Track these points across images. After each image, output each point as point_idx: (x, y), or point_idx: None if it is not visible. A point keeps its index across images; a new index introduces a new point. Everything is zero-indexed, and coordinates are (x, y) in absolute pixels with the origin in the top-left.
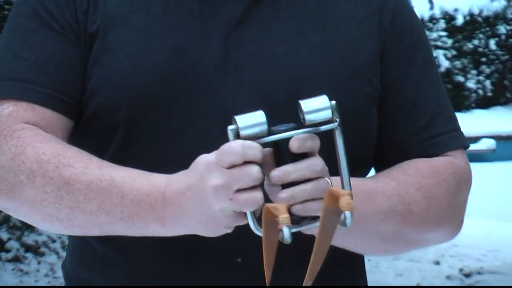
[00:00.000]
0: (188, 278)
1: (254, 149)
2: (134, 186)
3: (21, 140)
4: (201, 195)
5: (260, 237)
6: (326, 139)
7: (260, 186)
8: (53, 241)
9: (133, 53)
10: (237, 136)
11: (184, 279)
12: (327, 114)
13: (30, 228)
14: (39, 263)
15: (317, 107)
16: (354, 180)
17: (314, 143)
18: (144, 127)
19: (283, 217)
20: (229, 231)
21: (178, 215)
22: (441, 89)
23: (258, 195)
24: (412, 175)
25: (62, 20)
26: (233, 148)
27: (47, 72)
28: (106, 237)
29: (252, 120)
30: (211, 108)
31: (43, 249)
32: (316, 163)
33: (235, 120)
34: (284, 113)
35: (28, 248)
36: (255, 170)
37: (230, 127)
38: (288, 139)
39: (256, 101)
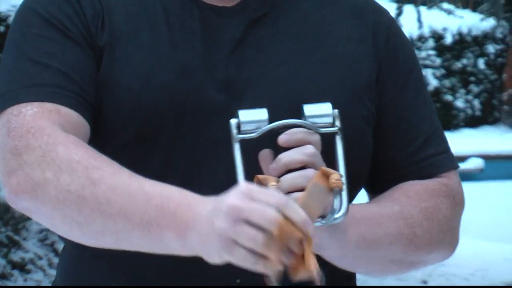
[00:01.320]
0: None
1: (295, 210)
2: (163, 193)
3: (52, 137)
4: (217, 208)
5: None
6: (324, 146)
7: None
8: (40, 258)
9: (141, 71)
10: (238, 129)
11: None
12: (328, 120)
13: (16, 245)
14: (25, 280)
15: (319, 112)
16: (361, 206)
17: (306, 136)
18: (152, 146)
19: (272, 184)
20: (220, 261)
21: (189, 224)
22: (433, 109)
23: (260, 237)
24: (413, 198)
25: (77, 32)
26: (273, 194)
27: (73, 80)
28: (101, 253)
29: (254, 116)
30: (216, 128)
31: (29, 266)
32: (307, 148)
33: (237, 114)
34: (286, 131)
35: (14, 265)
36: (272, 213)
37: (232, 120)
38: None
39: None
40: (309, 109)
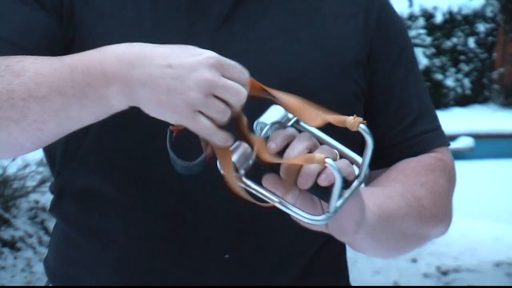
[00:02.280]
0: (177, 273)
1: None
2: (84, 57)
3: None
4: (182, 75)
5: (245, 234)
6: None
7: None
8: (30, 236)
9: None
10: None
11: (173, 274)
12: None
13: (6, 223)
14: (15, 258)
15: (275, 117)
16: (365, 188)
17: (287, 131)
18: (133, 122)
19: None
20: (173, 122)
21: (134, 81)
22: (424, 87)
23: (228, 112)
24: (411, 175)
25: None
26: (240, 68)
27: (29, 38)
28: (93, 234)
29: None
30: None
31: (19, 244)
32: (302, 136)
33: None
34: None
35: (4, 243)
36: (244, 94)
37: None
38: None
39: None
40: (266, 117)
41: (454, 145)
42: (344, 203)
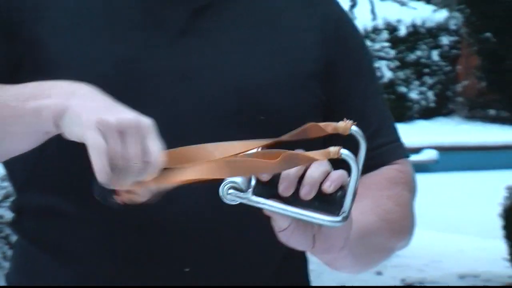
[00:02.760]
0: (137, 286)
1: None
2: (28, 85)
3: None
4: (111, 108)
5: (205, 247)
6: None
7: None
8: None
9: (77, 66)
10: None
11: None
12: None
13: None
14: None
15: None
16: None
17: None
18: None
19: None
20: (80, 135)
21: (74, 94)
22: (382, 100)
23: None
24: (376, 189)
25: None
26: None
27: None
28: (53, 251)
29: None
30: (157, 118)
31: None
32: (322, 164)
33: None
34: (231, 123)
35: None
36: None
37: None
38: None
39: (202, 112)
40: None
41: (418, 157)
42: (353, 201)
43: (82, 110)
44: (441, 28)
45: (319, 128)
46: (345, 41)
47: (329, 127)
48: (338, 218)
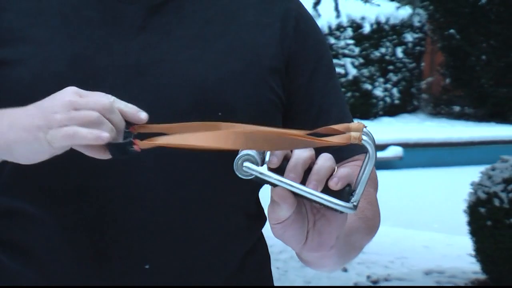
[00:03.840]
0: (99, 285)
1: (118, 115)
2: None
3: None
4: (45, 106)
5: (164, 243)
6: None
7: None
8: None
9: (33, 64)
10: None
11: (95, 286)
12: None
13: None
14: None
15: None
16: None
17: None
18: None
19: None
20: (46, 152)
21: (3, 128)
22: (343, 96)
23: (95, 114)
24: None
25: None
26: (103, 94)
27: None
28: (13, 250)
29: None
30: None
31: None
32: (327, 157)
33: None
34: (189, 119)
35: None
36: (107, 101)
37: (248, 164)
38: None
39: (159, 107)
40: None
41: (383, 154)
42: (362, 191)
43: (28, 130)
44: (405, 25)
45: (332, 128)
46: (305, 37)
47: (343, 126)
48: (350, 205)
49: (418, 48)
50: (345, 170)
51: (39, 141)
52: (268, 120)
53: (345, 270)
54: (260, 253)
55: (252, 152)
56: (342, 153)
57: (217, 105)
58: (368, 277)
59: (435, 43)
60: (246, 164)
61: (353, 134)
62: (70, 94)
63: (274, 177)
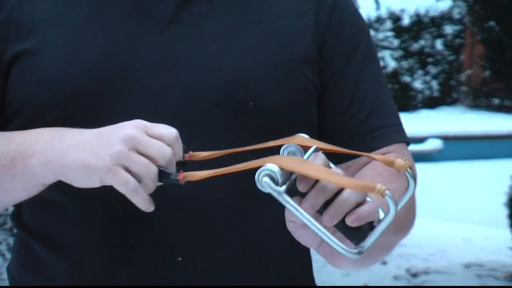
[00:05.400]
0: (131, 278)
1: (180, 145)
2: (26, 132)
3: None
4: (106, 135)
5: (197, 236)
6: None
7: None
8: None
9: (64, 54)
10: (274, 182)
11: (127, 279)
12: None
13: None
14: None
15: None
16: None
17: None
18: (76, 127)
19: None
20: (97, 184)
21: (62, 147)
22: (382, 84)
23: (154, 168)
24: (380, 182)
25: None
26: (169, 128)
27: None
28: (48, 241)
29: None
30: (144, 107)
31: None
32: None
33: (265, 170)
34: (219, 111)
35: None
36: (169, 151)
37: (265, 179)
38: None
39: (189, 100)
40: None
41: (422, 147)
42: (375, 240)
43: (85, 160)
44: (445, 17)
45: (381, 159)
46: (340, 24)
47: (385, 159)
48: (354, 251)
49: (457, 40)
50: (368, 208)
51: (93, 179)
52: (301, 108)
53: (384, 263)
54: (299, 245)
55: (276, 168)
56: (376, 141)
57: (248, 95)
58: (408, 270)
59: (474, 35)
60: (265, 179)
61: (378, 187)
62: (133, 127)
63: (290, 202)
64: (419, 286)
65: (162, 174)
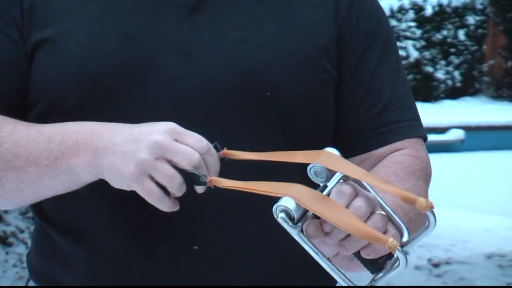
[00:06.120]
0: (147, 266)
1: (213, 157)
2: (63, 128)
3: None
4: (137, 139)
5: (213, 225)
6: None
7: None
8: (22, 231)
9: (85, 42)
10: (291, 220)
11: (143, 268)
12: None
13: None
14: (7, 253)
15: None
16: None
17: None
18: (94, 115)
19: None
20: (126, 188)
21: (99, 149)
22: (401, 78)
23: (178, 178)
24: (394, 182)
25: (6, 14)
26: (198, 137)
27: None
28: (66, 230)
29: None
30: (162, 95)
31: (11, 239)
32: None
33: (280, 206)
34: (237, 100)
35: None
36: (196, 157)
37: (280, 215)
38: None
39: (208, 88)
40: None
41: (444, 137)
42: (386, 276)
43: (116, 166)
44: (467, 8)
45: (403, 195)
46: (358, 17)
47: (408, 197)
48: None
49: (480, 30)
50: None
51: (122, 184)
52: (318, 99)
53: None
54: None
55: (292, 205)
56: (390, 135)
57: (265, 85)
58: (429, 260)
59: (497, 26)
60: (281, 215)
61: (390, 241)
62: (162, 133)
63: (304, 240)
64: (440, 276)
65: (191, 175)
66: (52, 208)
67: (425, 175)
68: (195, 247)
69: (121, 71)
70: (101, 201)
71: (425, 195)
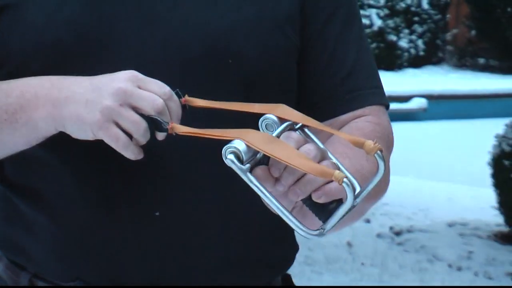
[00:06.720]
0: (110, 231)
1: (175, 103)
2: (21, 83)
3: None
4: (100, 87)
5: (178, 192)
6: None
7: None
8: None
9: (46, 8)
10: (239, 160)
11: (106, 233)
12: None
13: None
14: None
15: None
16: None
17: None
18: None
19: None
20: (91, 137)
21: (60, 99)
22: (364, 46)
23: (143, 124)
24: (355, 149)
25: None
26: (161, 84)
27: None
28: (28, 195)
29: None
30: (125, 61)
31: None
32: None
33: (230, 147)
34: (200, 67)
35: None
36: (160, 102)
37: (229, 156)
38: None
39: (171, 54)
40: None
41: (407, 106)
42: (339, 221)
43: (80, 114)
44: None
45: (352, 139)
46: None
47: (356, 140)
48: (315, 232)
49: None
50: (336, 186)
51: (87, 133)
52: (281, 67)
53: (367, 221)
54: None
55: (242, 146)
56: (353, 103)
57: (227, 52)
58: (391, 228)
59: None
60: (230, 156)
61: (336, 174)
62: (125, 80)
63: (252, 181)
64: (402, 244)
65: (154, 122)
66: (13, 172)
67: (387, 143)
68: (157, 214)
69: (84, 34)
70: (63, 166)
71: (387, 163)
